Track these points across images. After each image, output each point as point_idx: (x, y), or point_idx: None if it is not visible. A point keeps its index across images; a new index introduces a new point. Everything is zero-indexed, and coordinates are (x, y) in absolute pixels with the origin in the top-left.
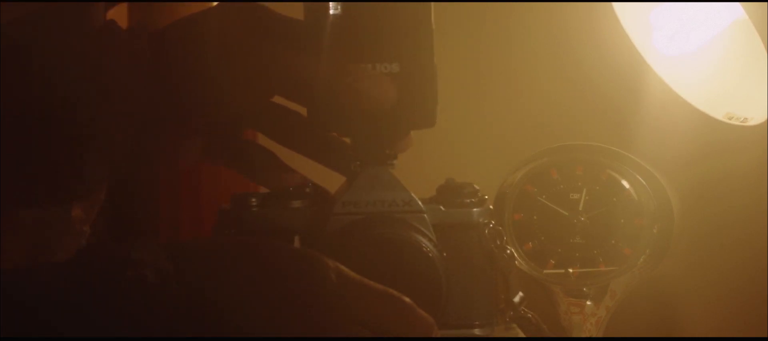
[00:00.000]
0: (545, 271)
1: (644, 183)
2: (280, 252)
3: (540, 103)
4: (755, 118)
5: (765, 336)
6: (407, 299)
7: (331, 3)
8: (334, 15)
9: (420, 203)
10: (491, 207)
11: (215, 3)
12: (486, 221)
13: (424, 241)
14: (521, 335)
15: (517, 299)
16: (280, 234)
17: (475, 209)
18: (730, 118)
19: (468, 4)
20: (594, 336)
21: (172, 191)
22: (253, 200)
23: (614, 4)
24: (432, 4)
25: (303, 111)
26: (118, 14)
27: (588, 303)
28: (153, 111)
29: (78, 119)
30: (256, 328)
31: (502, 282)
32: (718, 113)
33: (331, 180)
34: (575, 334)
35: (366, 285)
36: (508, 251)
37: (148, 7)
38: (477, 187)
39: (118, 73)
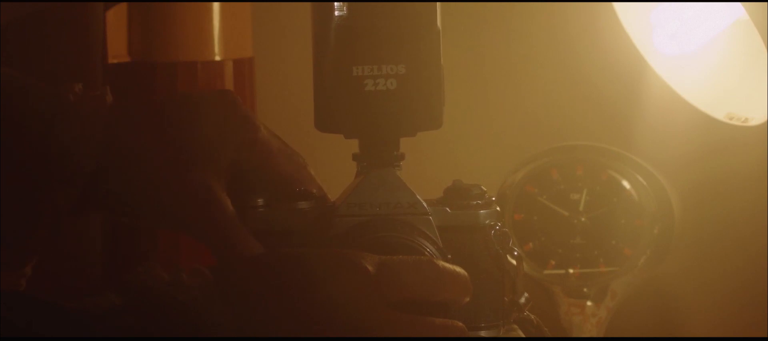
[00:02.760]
0: (545, 272)
1: (645, 183)
2: (317, 259)
3: (540, 103)
4: (756, 118)
5: (765, 336)
6: (437, 261)
7: (337, 4)
8: (340, 16)
9: (424, 205)
10: (498, 208)
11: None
12: (492, 223)
13: (427, 244)
14: (522, 335)
15: (522, 300)
16: (284, 235)
17: (481, 211)
18: (730, 118)
19: (469, 5)
20: (595, 336)
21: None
22: (259, 200)
23: (614, 4)
24: (438, 4)
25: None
26: (118, 14)
27: (588, 303)
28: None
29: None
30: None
31: (508, 284)
32: (719, 113)
33: (332, 180)
34: (576, 335)
35: (396, 261)
36: (517, 252)
37: (147, 7)
38: (485, 189)
39: (76, 114)
